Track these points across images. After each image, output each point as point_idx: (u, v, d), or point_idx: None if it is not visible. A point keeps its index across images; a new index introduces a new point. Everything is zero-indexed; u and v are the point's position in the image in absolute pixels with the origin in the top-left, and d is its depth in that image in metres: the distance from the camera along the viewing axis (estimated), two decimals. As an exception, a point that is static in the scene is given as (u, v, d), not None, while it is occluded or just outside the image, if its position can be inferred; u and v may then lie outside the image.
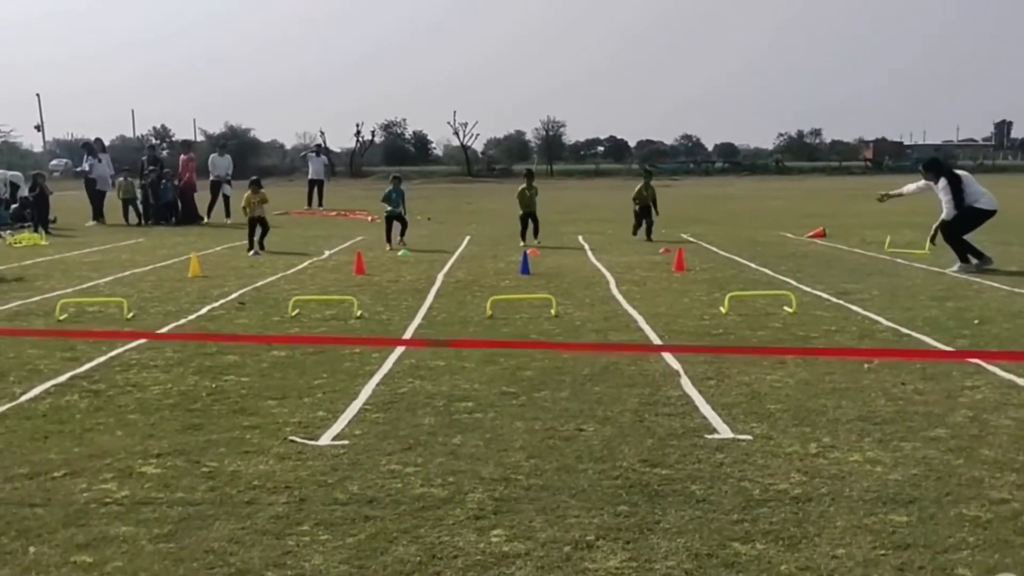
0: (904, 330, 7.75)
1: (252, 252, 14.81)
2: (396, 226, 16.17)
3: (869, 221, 20.18)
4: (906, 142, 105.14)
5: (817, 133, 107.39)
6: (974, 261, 11.76)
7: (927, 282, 10.67)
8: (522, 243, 15.80)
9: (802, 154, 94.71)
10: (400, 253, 14.61)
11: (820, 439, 4.81)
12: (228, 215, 22.76)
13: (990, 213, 12.09)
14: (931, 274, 11.39)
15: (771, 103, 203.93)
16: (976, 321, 8.10)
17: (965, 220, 12.01)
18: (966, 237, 11.97)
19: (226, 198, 23.12)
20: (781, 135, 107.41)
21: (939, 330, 7.73)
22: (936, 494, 4.03)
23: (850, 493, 4.05)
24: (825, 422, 5.12)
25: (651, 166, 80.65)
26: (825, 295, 9.71)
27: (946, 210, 12.00)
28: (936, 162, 12.84)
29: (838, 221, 20.15)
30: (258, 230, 15.28)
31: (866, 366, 6.35)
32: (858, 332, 7.76)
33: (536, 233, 16.36)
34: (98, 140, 24.68)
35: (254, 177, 16.57)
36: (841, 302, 9.24)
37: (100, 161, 23.20)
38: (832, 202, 29.63)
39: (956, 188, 11.97)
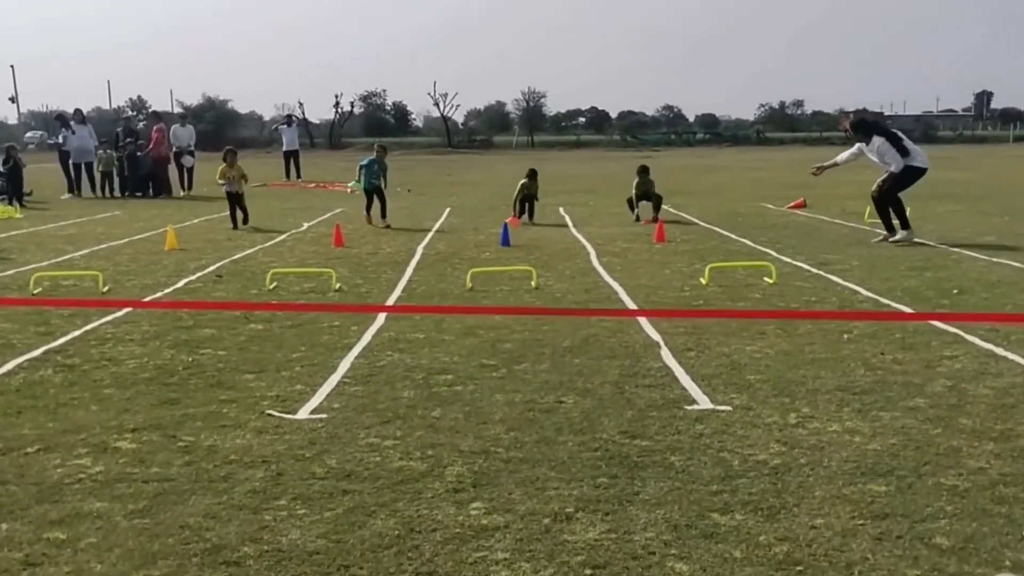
0: (884, 300, 7.77)
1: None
2: (377, 205, 14.65)
3: (850, 192, 20.23)
4: (887, 112, 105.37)
5: (799, 104, 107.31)
6: (904, 232, 11.51)
7: (906, 252, 10.70)
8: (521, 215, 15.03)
9: (783, 125, 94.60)
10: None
11: (800, 410, 4.82)
12: (191, 187, 22.53)
13: (923, 171, 11.76)
14: (910, 244, 11.41)
15: (752, 73, 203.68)
16: (955, 291, 8.13)
17: (903, 178, 11.67)
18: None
19: (188, 170, 22.84)
20: (762, 106, 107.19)
21: (918, 300, 7.75)
22: (914, 464, 4.04)
23: (829, 463, 4.05)
24: (805, 392, 5.12)
25: (633, 137, 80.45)
26: (805, 266, 9.72)
27: (894, 164, 11.52)
28: (864, 122, 12.29)
29: (819, 192, 20.15)
30: (239, 213, 14.50)
31: (845, 336, 6.36)
32: (838, 302, 7.78)
33: (531, 215, 15.11)
34: (77, 111, 23.94)
35: (229, 147, 15.58)
36: (821, 273, 9.25)
37: (74, 133, 22.56)
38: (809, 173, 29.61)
39: (896, 141, 11.55)
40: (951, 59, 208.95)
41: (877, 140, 11.59)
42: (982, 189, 21.74)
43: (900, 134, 11.84)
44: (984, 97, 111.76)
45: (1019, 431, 4.44)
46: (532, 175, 15.35)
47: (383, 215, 14.58)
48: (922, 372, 5.50)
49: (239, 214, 14.58)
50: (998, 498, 3.65)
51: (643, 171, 15.53)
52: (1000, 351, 5.89)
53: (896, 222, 11.70)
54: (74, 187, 22.37)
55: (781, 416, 4.71)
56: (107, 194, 22.25)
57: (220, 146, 22.74)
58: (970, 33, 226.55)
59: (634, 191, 15.33)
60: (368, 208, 14.82)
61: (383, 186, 14.88)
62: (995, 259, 9.92)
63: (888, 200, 11.71)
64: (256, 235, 13.44)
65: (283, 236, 13.32)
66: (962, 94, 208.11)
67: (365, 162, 14.99)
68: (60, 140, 23.13)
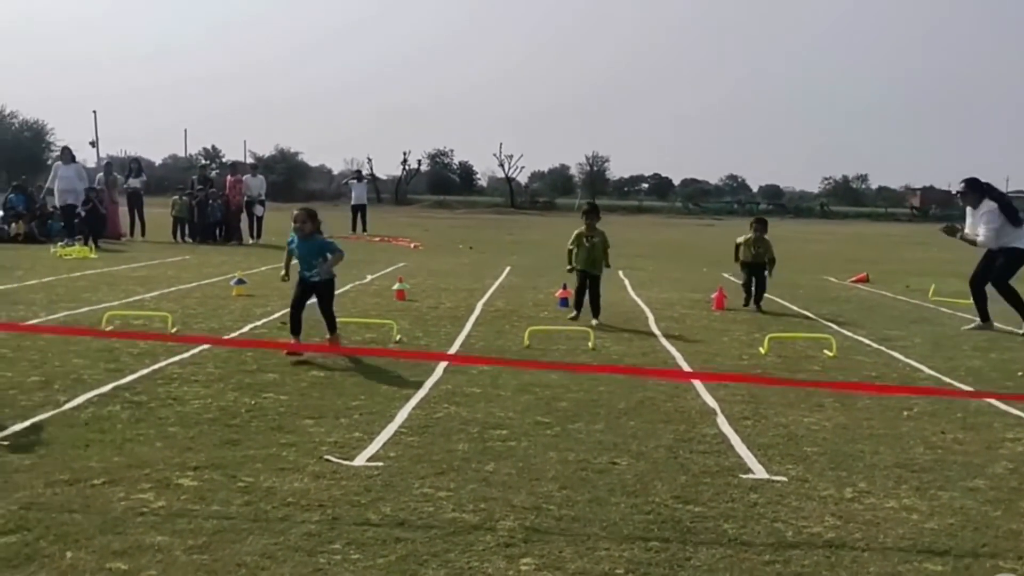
0: (946, 379, 7.65)
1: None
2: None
3: (914, 268, 19.97)
4: (953, 191, 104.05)
5: (863, 179, 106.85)
6: (989, 321, 10.41)
7: (971, 333, 10.52)
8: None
9: (847, 199, 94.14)
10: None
11: (856, 484, 4.77)
12: (259, 236, 23.07)
13: None
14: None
15: (818, 146, 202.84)
16: (1020, 373, 7.98)
17: (1015, 260, 10.23)
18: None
19: (258, 219, 23.42)
20: (826, 179, 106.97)
21: (981, 380, 7.62)
22: (972, 545, 3.97)
23: (884, 540, 4.01)
24: (862, 467, 5.07)
25: (695, 205, 79.93)
26: (866, 340, 9.61)
27: (984, 237, 10.22)
28: (977, 181, 10.50)
29: (882, 267, 19.95)
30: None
31: (905, 413, 6.28)
32: (899, 379, 7.68)
33: (596, 307, 10.54)
34: (65, 149, 22.19)
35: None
36: (882, 348, 9.15)
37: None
38: (877, 248, 29.36)
39: (1012, 213, 10.14)
40: (1022, 137, 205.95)
41: (988, 206, 10.18)
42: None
43: (1015, 206, 10.42)
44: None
45: (1083, 518, 4.34)
46: (591, 214, 10.88)
47: (329, 327, 8.11)
48: (983, 453, 5.41)
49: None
50: (1059, 585, 3.57)
51: (758, 225, 12.26)
52: (1066, 436, 5.77)
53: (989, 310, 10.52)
54: (67, 230, 20.51)
55: (837, 490, 4.67)
56: (179, 239, 22.88)
57: (290, 197, 23.31)
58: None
59: (742, 264, 12.33)
60: (295, 310, 8.05)
61: (320, 277, 8.06)
62: (1064, 343, 9.70)
63: (1003, 288, 10.32)
64: (320, 285, 13.67)
65: (347, 287, 13.55)
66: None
67: (290, 240, 8.31)
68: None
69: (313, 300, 8.19)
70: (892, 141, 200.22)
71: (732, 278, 16.48)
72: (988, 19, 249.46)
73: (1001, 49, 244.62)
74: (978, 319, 10.58)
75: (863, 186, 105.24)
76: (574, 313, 10.66)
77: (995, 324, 10.46)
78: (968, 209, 10.62)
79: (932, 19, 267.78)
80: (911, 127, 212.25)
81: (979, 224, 10.29)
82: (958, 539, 4.04)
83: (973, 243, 10.53)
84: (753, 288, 12.07)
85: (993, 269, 10.36)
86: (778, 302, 13.14)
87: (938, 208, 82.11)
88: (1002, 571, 3.03)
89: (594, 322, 10.17)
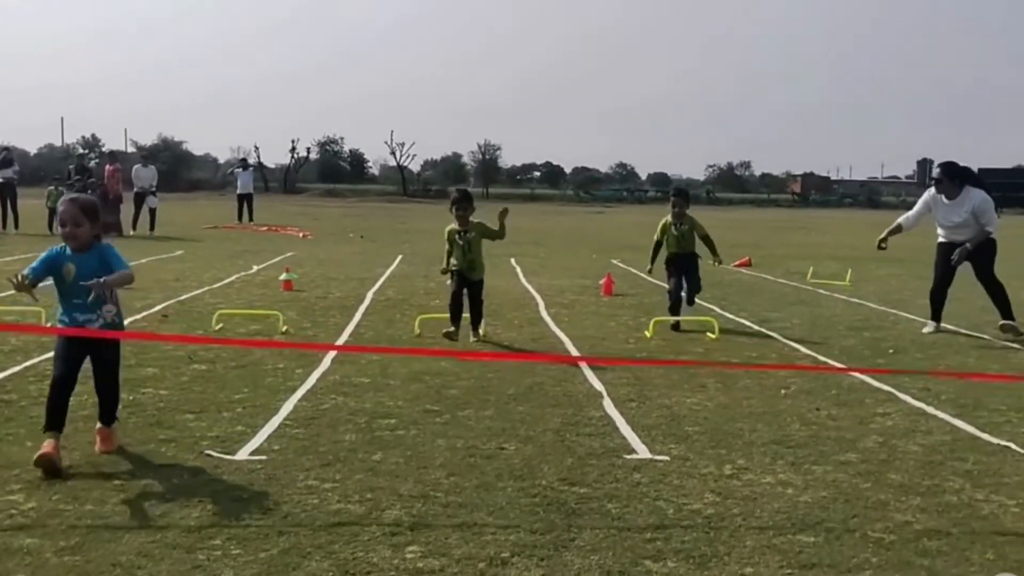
0: (821, 358, 7.95)
1: None
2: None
3: (794, 252, 20.66)
4: (833, 177, 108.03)
5: (747, 165, 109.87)
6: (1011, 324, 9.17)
7: (846, 312, 10.95)
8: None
9: (732, 185, 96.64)
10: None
11: (735, 461, 4.91)
12: (153, 228, 22.40)
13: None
14: (850, 305, 11.69)
15: (703, 134, 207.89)
16: (891, 351, 8.34)
17: (991, 251, 9.28)
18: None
19: (151, 210, 22.73)
20: (711, 166, 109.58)
21: (855, 358, 7.94)
22: (843, 516, 4.14)
23: (761, 514, 4.14)
24: (741, 445, 5.22)
25: (586, 192, 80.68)
26: (748, 322, 9.90)
27: (978, 232, 9.11)
28: (962, 170, 9.40)
29: (764, 251, 20.57)
30: None
31: (783, 391, 6.50)
32: (778, 359, 7.94)
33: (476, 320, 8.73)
34: None
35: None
36: (763, 329, 9.44)
37: None
38: (759, 233, 30.23)
39: (994, 201, 9.26)
40: (895, 127, 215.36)
41: (978, 195, 9.13)
42: (922, 254, 22.27)
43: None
44: (926, 165, 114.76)
45: (945, 487, 4.57)
46: (462, 203, 8.53)
47: (104, 412, 5.01)
48: (855, 428, 5.64)
49: None
50: (922, 551, 3.75)
51: (677, 198, 9.72)
52: (931, 409, 6.07)
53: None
54: None
55: (717, 467, 4.80)
56: (55, 231, 21.94)
57: (175, 187, 22.71)
58: (914, 102, 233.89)
59: (666, 247, 9.79)
60: (60, 392, 4.82)
61: (100, 320, 5.12)
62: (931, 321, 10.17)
63: (989, 284, 9.31)
64: (204, 275, 13.35)
65: (232, 278, 13.25)
66: (905, 161, 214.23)
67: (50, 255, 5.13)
68: None
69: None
70: (774, 129, 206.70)
71: (621, 264, 16.76)
72: (860, 15, 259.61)
73: (873, 44, 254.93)
74: (932, 323, 9.53)
75: (747, 173, 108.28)
76: (452, 329, 8.35)
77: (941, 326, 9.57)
78: (940, 198, 9.36)
79: (809, 16, 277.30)
80: (792, 116, 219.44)
81: (964, 214, 9.13)
82: (830, 511, 4.20)
83: (899, 230, 9.69)
84: (684, 293, 9.57)
85: (977, 266, 9.24)
86: (663, 286, 13.40)
87: (817, 194, 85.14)
88: (1003, 571, 3.13)
89: (472, 338, 8.37)
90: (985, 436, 5.48)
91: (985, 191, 9.22)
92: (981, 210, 9.08)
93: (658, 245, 9.81)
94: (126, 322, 9.01)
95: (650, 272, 10.33)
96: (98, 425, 4.98)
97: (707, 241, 9.77)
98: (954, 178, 9.25)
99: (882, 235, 9.82)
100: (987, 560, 3.65)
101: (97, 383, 4.98)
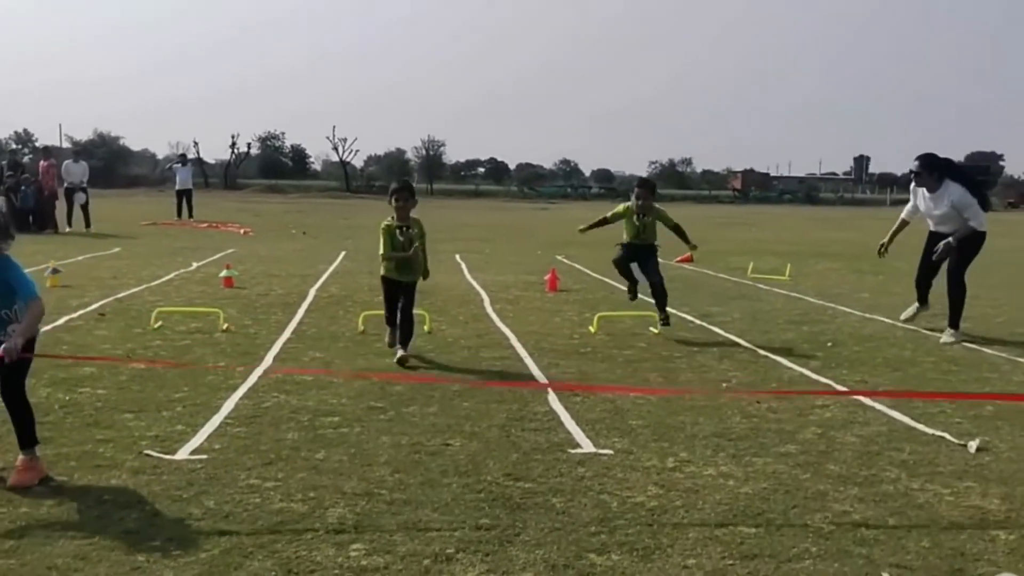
0: (762, 352, 8.06)
1: None
2: None
3: (735, 248, 20.93)
4: (772, 173, 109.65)
5: (688, 162, 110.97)
6: (953, 334, 8.70)
7: (785, 307, 11.13)
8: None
9: (674, 181, 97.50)
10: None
11: (678, 454, 4.96)
12: (89, 224, 21.94)
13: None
14: (790, 299, 11.88)
15: (644, 131, 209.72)
16: (829, 344, 8.49)
17: (973, 248, 8.79)
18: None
19: (82, 207, 22.22)
20: (653, 163, 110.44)
21: (794, 352, 8.07)
22: (783, 507, 4.21)
23: (703, 506, 4.19)
24: (683, 438, 5.28)
25: (530, 188, 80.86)
26: (689, 317, 10.01)
27: (962, 226, 8.64)
28: (942, 162, 8.86)
29: (705, 247, 20.72)
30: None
31: (724, 385, 6.58)
32: (719, 353, 8.03)
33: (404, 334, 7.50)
34: None
35: None
36: (704, 324, 9.55)
37: None
38: (701, 229, 30.48)
39: (978, 193, 8.77)
40: (833, 124, 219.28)
41: (956, 190, 8.63)
42: (860, 249, 22.73)
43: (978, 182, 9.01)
44: (863, 161, 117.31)
45: (882, 476, 4.67)
46: (401, 193, 7.71)
47: (23, 443, 4.41)
48: (795, 420, 5.73)
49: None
50: (859, 540, 3.83)
51: (643, 189, 9.34)
52: (867, 401, 6.19)
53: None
54: None
55: (660, 460, 4.85)
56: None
57: (111, 183, 22.27)
58: (851, 99, 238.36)
59: (620, 247, 9.33)
60: None
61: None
62: (868, 315, 10.39)
63: (953, 283, 8.75)
64: (142, 273, 13.11)
65: (171, 275, 13.03)
66: (842, 158, 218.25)
67: None
68: None
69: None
70: (714, 126, 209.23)
71: (565, 260, 16.82)
72: (793, 14, 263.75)
73: (811, 43, 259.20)
74: (915, 306, 9.45)
75: (688, 169, 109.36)
76: (391, 340, 7.64)
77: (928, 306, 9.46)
78: (921, 192, 9.01)
79: (748, 13, 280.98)
80: (732, 113, 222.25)
81: (944, 207, 8.71)
82: (770, 502, 4.26)
83: (952, 241, 8.69)
84: (652, 296, 9.16)
85: (955, 257, 8.75)
86: (607, 282, 13.51)
87: (757, 190, 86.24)
88: (1002, 571, 3.17)
89: (400, 352, 7.21)
90: (920, 427, 5.61)
91: (967, 182, 8.75)
92: (961, 205, 8.61)
93: (603, 221, 9.54)
94: (62, 319, 8.86)
95: (581, 231, 9.97)
96: (20, 457, 4.36)
97: (678, 231, 9.58)
98: (933, 170, 8.76)
99: (884, 240, 9.56)
100: (923, 548, 3.74)
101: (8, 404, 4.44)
